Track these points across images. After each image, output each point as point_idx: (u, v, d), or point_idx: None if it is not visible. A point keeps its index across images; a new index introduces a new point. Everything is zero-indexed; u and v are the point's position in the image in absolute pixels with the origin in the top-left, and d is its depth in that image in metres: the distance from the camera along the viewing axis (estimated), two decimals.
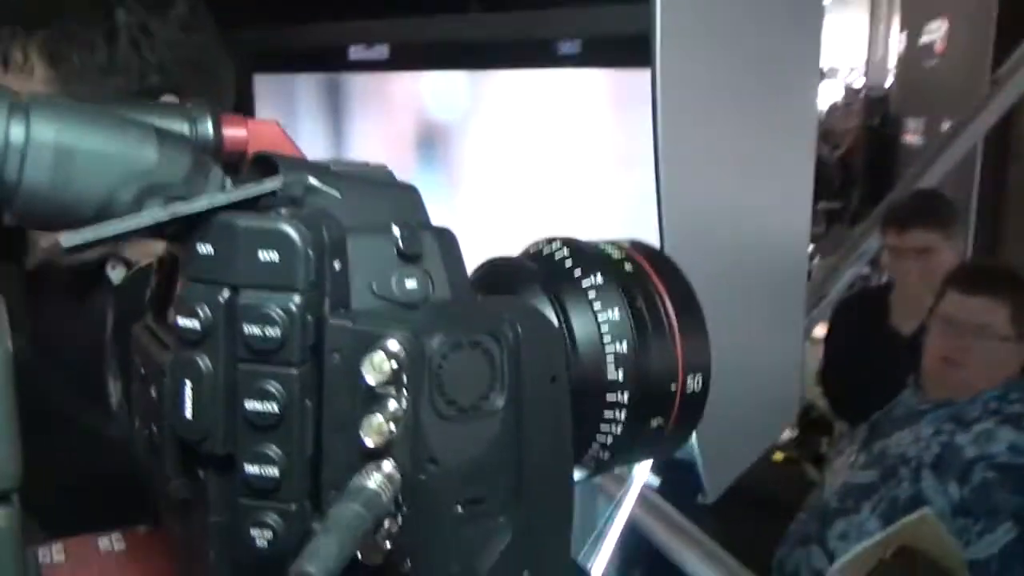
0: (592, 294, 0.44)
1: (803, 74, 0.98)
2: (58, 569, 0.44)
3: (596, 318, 0.43)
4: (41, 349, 0.83)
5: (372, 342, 0.34)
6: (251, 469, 0.34)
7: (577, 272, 0.44)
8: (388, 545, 0.34)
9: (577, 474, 0.46)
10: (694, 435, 0.92)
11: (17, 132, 0.32)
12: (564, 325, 0.43)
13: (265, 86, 1.30)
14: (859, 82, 7.15)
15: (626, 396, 0.43)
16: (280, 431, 0.34)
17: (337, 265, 0.35)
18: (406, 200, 0.41)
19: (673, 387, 0.44)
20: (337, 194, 0.37)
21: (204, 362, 0.34)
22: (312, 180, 0.37)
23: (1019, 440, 1.55)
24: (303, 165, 0.38)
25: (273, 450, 0.34)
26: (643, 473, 1.11)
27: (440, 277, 0.39)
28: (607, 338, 0.43)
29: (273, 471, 0.34)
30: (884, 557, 1.28)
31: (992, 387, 1.67)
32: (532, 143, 0.96)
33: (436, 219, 0.45)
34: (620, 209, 0.80)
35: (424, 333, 0.34)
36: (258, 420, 0.34)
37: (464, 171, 1.03)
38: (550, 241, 0.47)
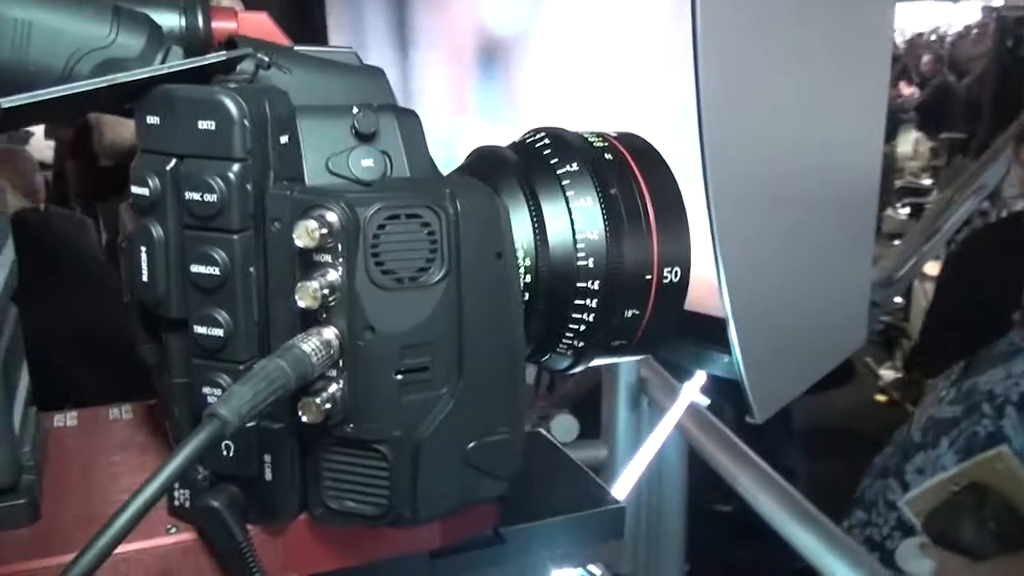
0: (566, 181, 0.43)
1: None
2: (68, 431, 0.48)
3: (568, 205, 0.43)
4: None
5: (309, 210, 0.35)
6: (200, 330, 0.36)
7: (553, 160, 0.44)
8: (329, 406, 0.36)
9: (561, 363, 0.47)
10: (739, 352, 0.91)
11: None
12: (535, 212, 0.43)
13: (337, 5, 1.32)
14: (997, 1, 6.65)
15: (597, 284, 0.43)
16: (223, 294, 0.36)
17: (284, 139, 0.37)
18: (368, 82, 0.41)
19: (648, 277, 0.44)
20: (287, 73, 0.38)
21: (155, 229, 0.36)
22: (262, 57, 0.37)
23: None
24: (263, 47, 0.39)
25: (219, 313, 0.36)
26: (694, 387, 1.10)
27: (399, 157, 0.40)
28: (578, 225, 0.43)
29: (219, 332, 0.36)
30: (954, 491, 1.24)
31: None
32: (592, 60, 0.94)
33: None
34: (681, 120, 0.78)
35: (360, 204, 0.35)
36: (203, 283, 0.36)
37: (524, 87, 1.02)
38: (536, 132, 0.47)
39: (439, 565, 0.44)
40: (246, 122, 0.35)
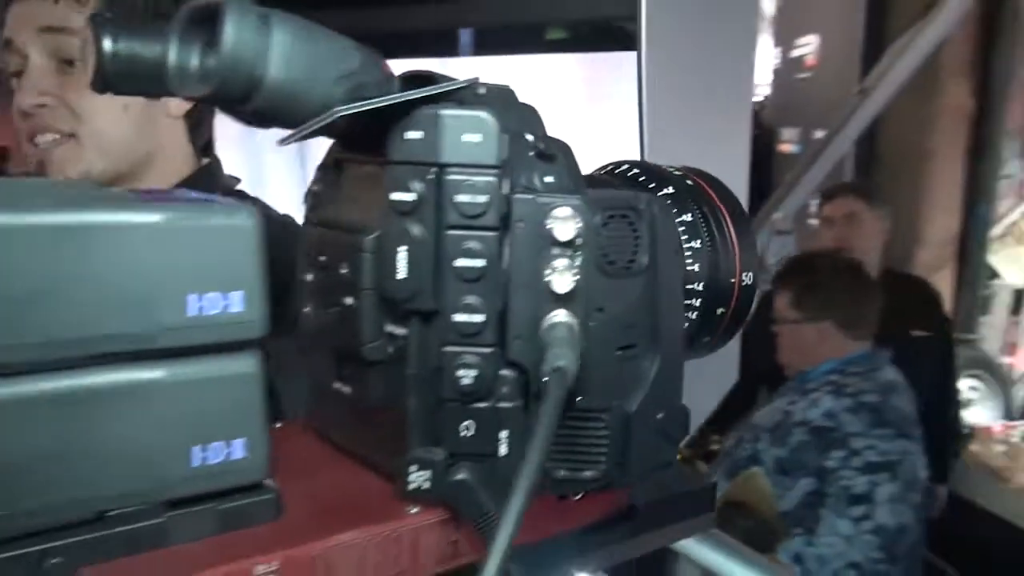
0: (668, 201, 0.53)
1: (743, 66, 1.12)
2: None
3: (673, 219, 0.52)
4: None
5: (551, 211, 0.41)
6: (459, 317, 0.41)
7: (651, 185, 0.53)
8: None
9: None
10: None
11: (264, 36, 0.38)
12: None
13: None
14: None
15: (701, 286, 0.52)
16: (482, 284, 0.41)
17: (531, 151, 0.43)
18: (534, 115, 0.48)
19: (732, 280, 0.54)
20: (492, 101, 0.45)
21: (417, 229, 0.41)
22: (481, 89, 0.44)
23: (834, 406, 1.78)
24: (453, 80, 0.46)
25: (477, 300, 0.41)
26: None
27: (565, 175, 0.47)
28: (684, 236, 0.52)
29: (478, 318, 0.41)
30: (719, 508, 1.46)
31: (809, 363, 1.89)
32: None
33: None
34: None
35: (591, 206, 0.42)
36: (466, 275, 0.41)
37: None
38: (618, 164, 0.56)
39: (590, 538, 0.50)
40: (504, 135, 0.41)
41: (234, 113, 0.40)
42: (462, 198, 0.40)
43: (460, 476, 0.42)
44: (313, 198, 0.48)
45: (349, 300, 0.44)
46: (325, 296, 0.45)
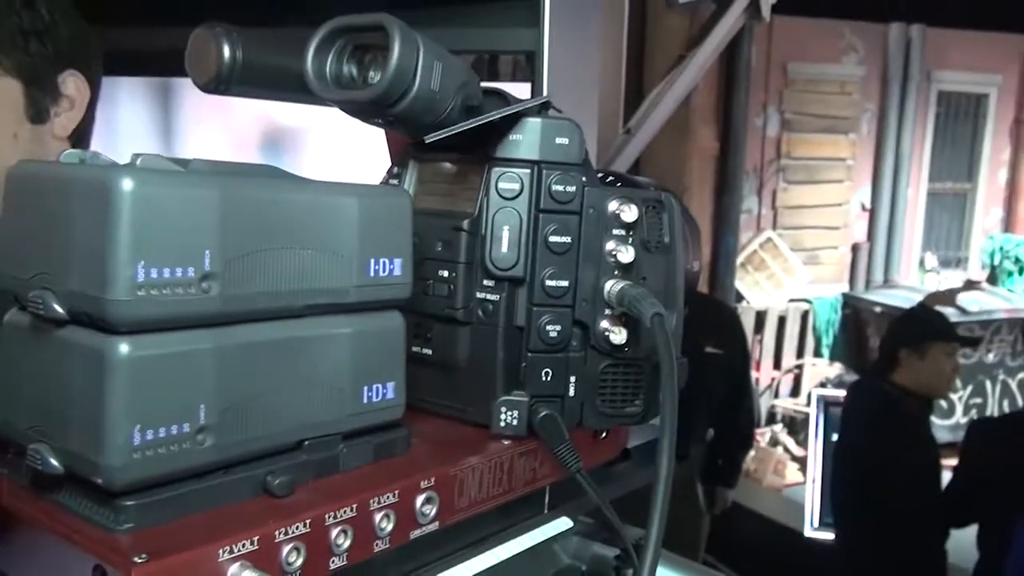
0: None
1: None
2: None
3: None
4: None
5: (612, 200, 0.53)
6: (550, 283, 0.52)
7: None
8: (625, 332, 0.53)
9: None
10: None
11: (416, 53, 0.46)
12: None
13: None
14: None
15: None
16: (567, 256, 0.52)
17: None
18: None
19: (687, 266, 0.68)
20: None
21: (519, 212, 0.51)
22: (547, 103, 0.55)
23: None
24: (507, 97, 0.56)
25: (563, 269, 0.52)
26: None
27: (595, 177, 0.59)
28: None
29: (564, 283, 0.52)
30: None
31: None
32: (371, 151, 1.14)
33: None
34: None
35: (637, 196, 0.54)
36: (557, 248, 0.52)
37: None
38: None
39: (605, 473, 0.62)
40: (583, 139, 0.52)
41: (370, 115, 0.49)
42: (557, 188, 0.51)
43: (544, 412, 0.52)
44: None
45: (444, 272, 0.53)
46: (416, 271, 0.53)
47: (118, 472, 0.35)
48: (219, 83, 0.51)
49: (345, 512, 0.41)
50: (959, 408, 4.91)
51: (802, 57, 5.60)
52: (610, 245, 0.53)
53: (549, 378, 0.53)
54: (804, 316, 5.51)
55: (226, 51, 0.51)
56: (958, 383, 4.84)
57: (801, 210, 5.68)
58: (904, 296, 5.36)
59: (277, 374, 0.41)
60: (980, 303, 5.20)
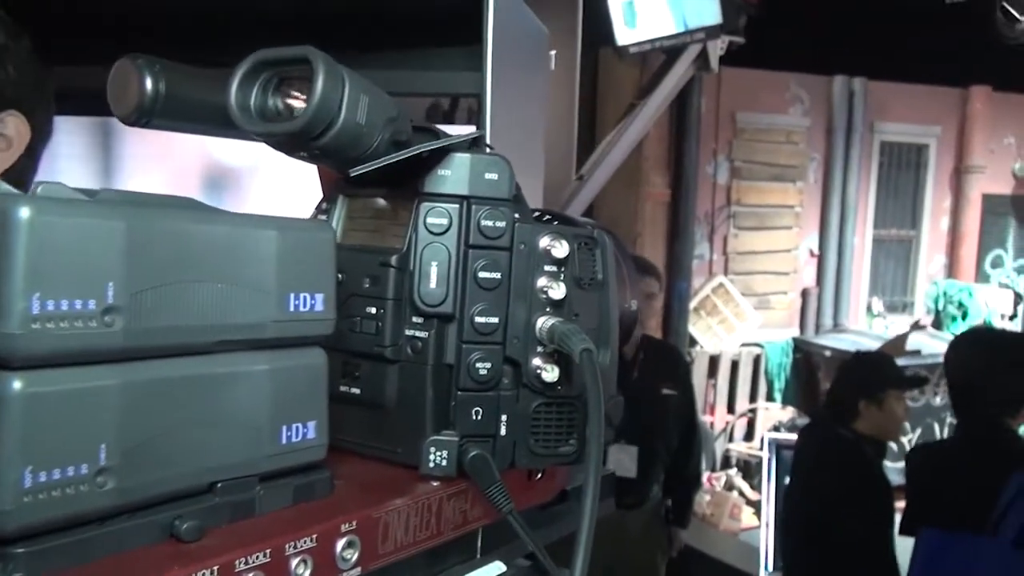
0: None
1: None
2: None
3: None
4: None
5: (544, 236, 0.53)
6: (480, 320, 0.51)
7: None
8: (557, 371, 0.53)
9: None
10: None
11: (341, 86, 0.46)
12: None
13: None
14: None
15: None
16: (497, 292, 0.51)
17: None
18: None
19: (626, 304, 0.67)
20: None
21: (447, 247, 0.50)
22: (485, 146, 0.54)
23: None
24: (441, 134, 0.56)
25: (493, 305, 0.51)
26: None
27: (528, 212, 0.59)
28: None
29: (494, 320, 0.51)
30: None
31: None
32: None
33: None
34: None
35: (570, 233, 0.54)
36: (487, 284, 0.51)
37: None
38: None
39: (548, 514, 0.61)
40: (513, 175, 0.52)
41: (295, 148, 0.48)
42: (486, 223, 0.50)
43: (475, 452, 0.51)
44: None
45: (371, 309, 0.52)
46: (342, 308, 0.52)
47: (7, 516, 0.33)
48: (141, 115, 0.50)
49: (257, 558, 0.39)
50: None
51: (750, 107, 5.74)
52: (541, 281, 0.52)
53: (480, 417, 0.52)
54: (756, 360, 5.56)
55: (148, 83, 0.50)
56: (907, 426, 4.92)
57: (752, 256, 5.78)
58: (852, 340, 5.44)
59: (186, 413, 0.39)
60: (925, 347, 5.30)
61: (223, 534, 0.40)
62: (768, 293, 5.84)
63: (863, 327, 6.11)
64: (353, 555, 0.44)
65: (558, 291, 0.52)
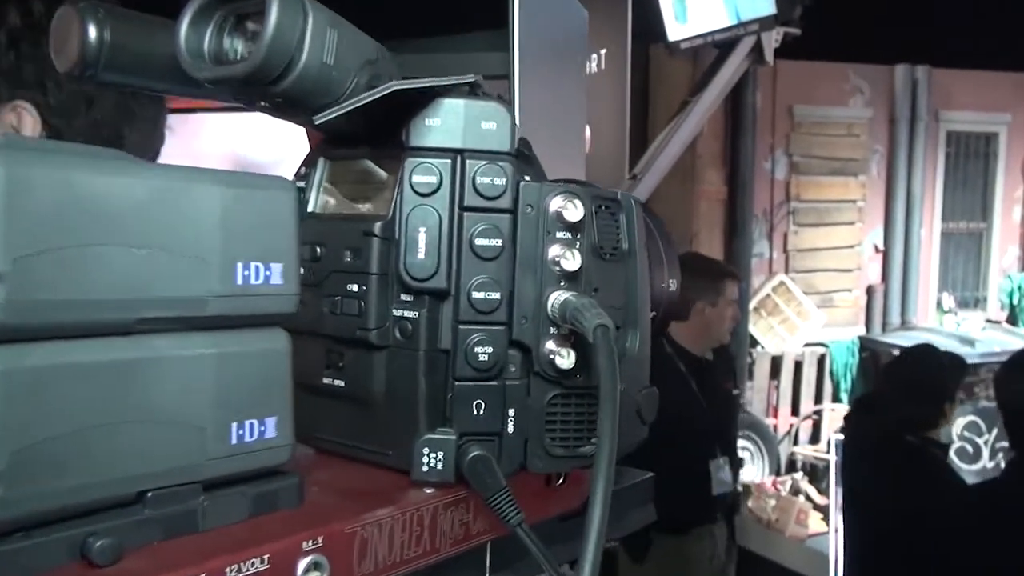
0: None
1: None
2: None
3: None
4: None
5: (556, 197, 0.44)
6: (478, 296, 0.43)
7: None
8: (574, 356, 0.44)
9: None
10: None
11: (302, 22, 0.38)
12: None
13: None
14: None
15: None
16: (499, 263, 0.43)
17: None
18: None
19: (663, 284, 0.58)
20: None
21: (436, 211, 0.42)
22: (478, 83, 0.46)
23: None
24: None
25: (494, 279, 0.43)
26: None
27: (541, 173, 0.51)
28: None
29: (495, 295, 0.43)
30: None
31: None
32: None
33: None
34: None
35: (587, 193, 0.45)
36: (485, 253, 0.43)
37: None
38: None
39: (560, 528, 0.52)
40: (515, 124, 0.44)
41: (252, 97, 0.40)
42: (482, 181, 0.42)
43: (475, 453, 0.43)
44: (299, 194, 0.47)
45: (353, 287, 0.44)
46: (320, 287, 0.45)
47: None
48: (85, 68, 0.43)
49: None
50: (985, 452, 4.75)
51: (808, 100, 5.56)
52: (553, 250, 0.44)
53: (481, 412, 0.43)
54: (820, 360, 5.38)
55: (91, 31, 0.43)
56: (983, 425, 4.69)
57: (813, 253, 5.59)
58: (922, 338, 5.23)
59: (101, 408, 0.32)
60: (1002, 343, 5.06)
61: (149, 555, 0.33)
62: (831, 291, 5.65)
63: (933, 323, 5.86)
64: None
65: (572, 261, 0.43)
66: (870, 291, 5.76)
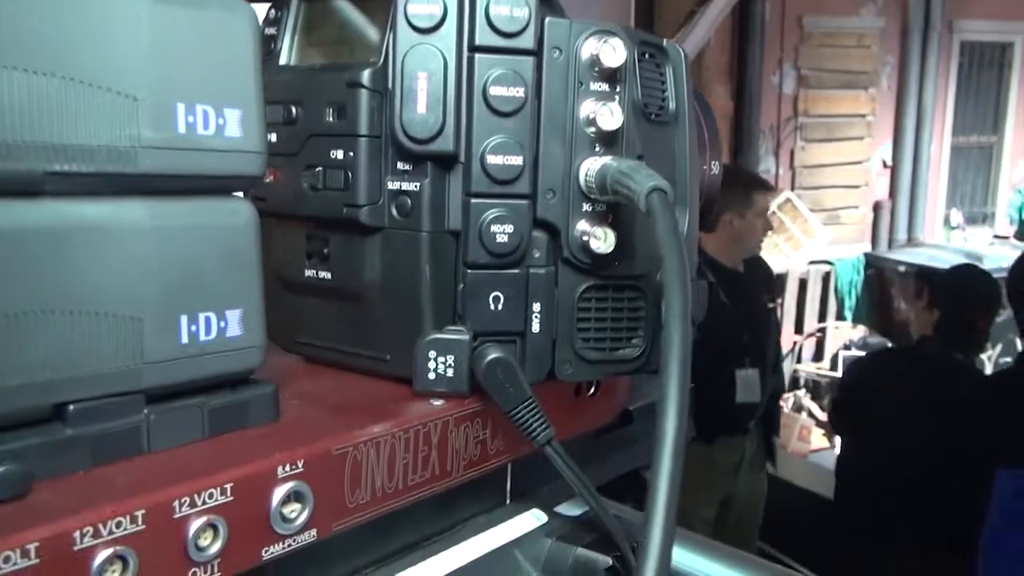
0: None
1: None
2: None
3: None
4: None
5: (591, 37, 0.35)
6: (495, 161, 0.34)
7: None
8: (613, 237, 0.36)
9: None
10: None
11: None
12: None
13: None
14: None
15: None
16: (519, 120, 0.34)
17: None
18: None
19: (704, 167, 0.49)
20: None
21: (440, 51, 0.33)
22: None
23: None
24: None
25: (515, 140, 0.34)
26: None
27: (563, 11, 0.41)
28: None
29: (516, 160, 0.34)
30: None
31: None
32: None
33: None
34: None
35: (627, 33, 0.36)
36: (504, 106, 0.34)
37: None
38: None
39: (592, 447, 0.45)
40: None
41: None
42: (498, 10, 0.33)
43: (494, 355, 0.34)
44: (269, 43, 0.38)
45: (338, 154, 0.35)
46: (297, 157, 0.36)
47: None
48: None
49: (123, 525, 0.24)
50: (989, 367, 4.73)
51: (818, 10, 5.36)
52: (587, 106, 0.35)
53: (500, 307, 0.35)
54: (825, 278, 5.31)
55: None
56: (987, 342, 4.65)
57: (820, 169, 5.46)
58: (929, 254, 5.15)
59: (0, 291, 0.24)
60: (1009, 259, 4.99)
61: (69, 486, 0.25)
62: (838, 208, 5.54)
63: (940, 240, 5.78)
64: (301, 512, 0.28)
65: (611, 119, 0.35)
66: (877, 207, 5.66)
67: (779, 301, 2.41)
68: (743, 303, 2.03)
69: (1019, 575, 1.41)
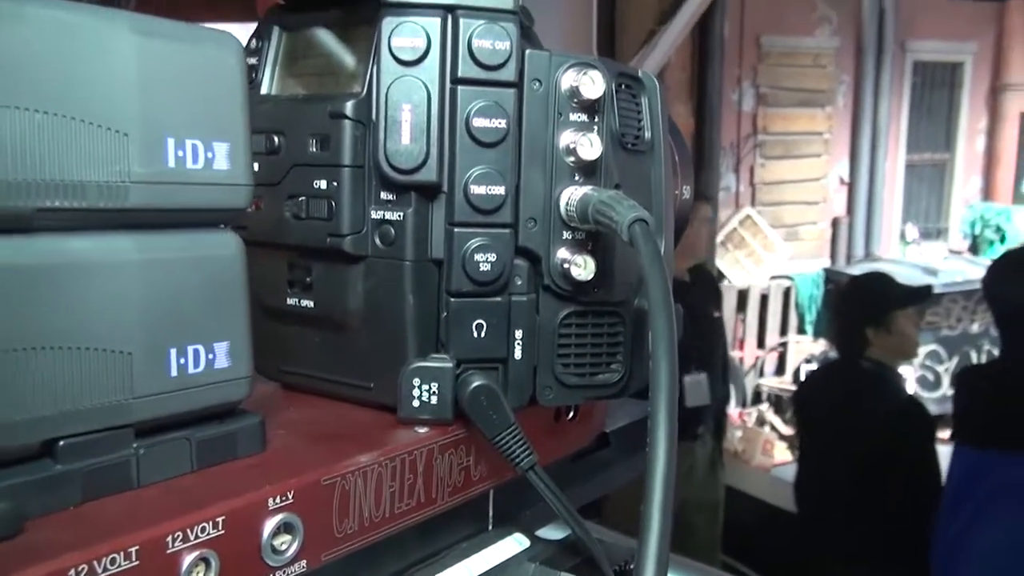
0: None
1: None
2: None
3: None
4: None
5: (570, 70, 0.36)
6: (478, 191, 0.34)
7: None
8: (593, 264, 0.36)
9: None
10: None
11: None
12: None
13: None
14: None
15: None
16: (501, 151, 0.35)
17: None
18: None
19: (676, 192, 0.51)
20: None
21: (423, 83, 0.34)
22: None
23: None
24: None
25: (497, 170, 0.35)
26: None
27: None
28: None
29: (498, 190, 0.35)
30: None
31: None
32: None
33: None
34: None
35: (605, 66, 0.37)
36: (487, 137, 0.34)
37: None
38: None
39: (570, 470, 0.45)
40: None
41: None
42: (481, 44, 0.34)
43: (477, 383, 0.35)
44: (250, 73, 0.38)
45: (321, 184, 0.35)
46: (281, 184, 0.36)
47: None
48: None
49: (117, 561, 0.24)
50: (945, 380, 4.81)
51: (775, 30, 5.46)
52: (567, 136, 0.36)
53: (483, 334, 0.36)
54: (786, 293, 5.38)
55: None
56: (943, 352, 4.73)
57: (780, 186, 5.54)
58: (886, 269, 5.25)
59: None
60: (963, 273, 5.09)
61: (62, 523, 0.25)
62: (797, 224, 5.63)
63: (896, 255, 5.90)
64: (291, 543, 0.28)
65: (591, 149, 0.35)
66: (835, 223, 5.75)
67: (724, 311, 2.44)
68: (689, 311, 2.07)
69: (962, 548, 1.44)
